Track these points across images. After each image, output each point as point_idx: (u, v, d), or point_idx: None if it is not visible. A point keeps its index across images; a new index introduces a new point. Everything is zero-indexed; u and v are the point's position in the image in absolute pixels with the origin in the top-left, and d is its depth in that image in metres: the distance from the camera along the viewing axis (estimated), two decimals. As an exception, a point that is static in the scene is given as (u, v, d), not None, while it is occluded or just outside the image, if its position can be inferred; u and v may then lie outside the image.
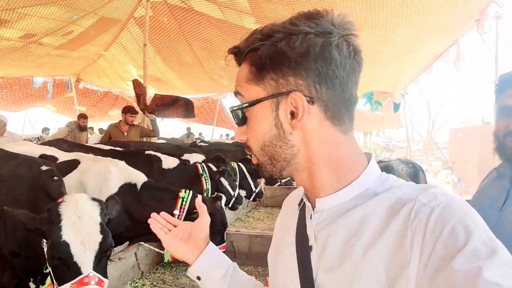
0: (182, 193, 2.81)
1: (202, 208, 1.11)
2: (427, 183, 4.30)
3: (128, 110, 6.39)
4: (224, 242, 2.93)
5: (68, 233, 1.79)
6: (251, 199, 4.77)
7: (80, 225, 1.83)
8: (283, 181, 6.24)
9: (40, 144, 4.93)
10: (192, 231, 1.06)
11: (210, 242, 1.06)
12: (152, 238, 2.96)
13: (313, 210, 0.80)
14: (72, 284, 1.71)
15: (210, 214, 2.75)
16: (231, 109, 0.80)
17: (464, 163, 17.52)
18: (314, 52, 0.70)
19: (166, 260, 2.88)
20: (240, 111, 0.78)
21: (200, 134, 17.62)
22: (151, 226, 1.09)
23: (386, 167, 3.62)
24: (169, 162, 3.75)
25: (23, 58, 8.61)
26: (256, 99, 0.75)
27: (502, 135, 1.48)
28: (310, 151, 0.76)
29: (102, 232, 1.88)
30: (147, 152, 3.87)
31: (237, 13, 7.01)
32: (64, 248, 1.75)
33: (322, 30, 0.71)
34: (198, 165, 3.74)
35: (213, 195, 3.04)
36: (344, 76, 0.72)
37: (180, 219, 2.71)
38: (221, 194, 2.98)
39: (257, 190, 4.75)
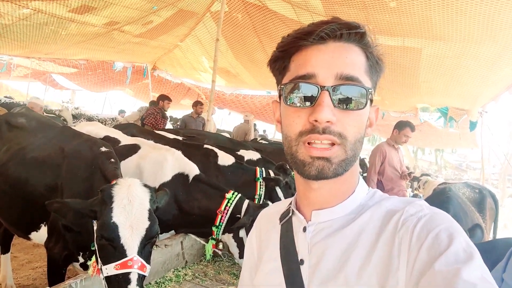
0: (228, 195, 2.76)
1: None
2: (497, 212, 3.97)
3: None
4: None
5: (118, 216, 1.87)
6: None
7: (130, 209, 1.90)
8: None
9: (114, 125, 5.25)
10: None
11: None
12: (197, 232, 3.01)
13: (307, 222, 0.80)
14: (116, 265, 1.78)
15: (252, 221, 2.71)
16: (357, 85, 0.70)
17: (545, 193, 15.93)
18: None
19: (208, 258, 2.89)
20: (367, 94, 0.70)
21: (264, 131, 17.74)
22: None
23: (444, 190, 3.34)
24: (224, 158, 3.75)
25: (106, 43, 9.21)
26: (371, 92, 0.72)
27: None
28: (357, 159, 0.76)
29: (150, 218, 1.93)
30: (205, 146, 3.93)
31: (310, 14, 6.92)
32: (113, 229, 1.83)
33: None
34: (258, 168, 3.70)
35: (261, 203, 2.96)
36: None
37: (223, 220, 2.69)
38: (269, 202, 2.88)
39: None
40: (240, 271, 2.88)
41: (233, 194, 2.79)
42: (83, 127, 3.28)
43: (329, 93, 0.68)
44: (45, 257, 3.49)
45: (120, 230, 1.84)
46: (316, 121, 0.68)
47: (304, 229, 0.79)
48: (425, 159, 25.31)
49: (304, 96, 0.70)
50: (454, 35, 5.47)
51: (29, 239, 2.72)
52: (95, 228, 1.97)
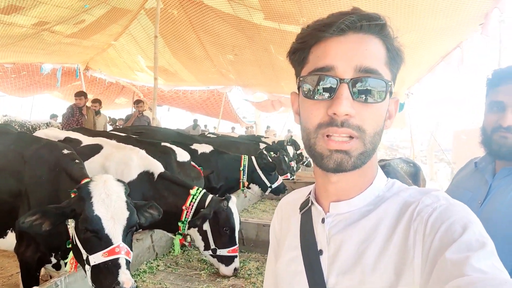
0: (193, 191, 2.86)
1: None
2: (426, 181, 4.47)
3: None
4: (235, 245, 2.87)
5: (99, 208, 1.97)
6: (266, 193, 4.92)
7: (109, 202, 2.01)
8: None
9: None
10: None
11: None
12: (164, 228, 3.04)
13: (325, 214, 0.81)
14: (104, 253, 1.89)
15: (214, 213, 2.79)
16: (377, 77, 0.69)
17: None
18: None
19: (176, 253, 2.98)
20: (386, 87, 0.70)
21: (205, 126, 17.79)
22: None
23: (385, 166, 3.71)
24: (183, 155, 3.80)
25: (35, 45, 8.78)
26: (391, 84, 0.72)
27: (490, 129, 1.47)
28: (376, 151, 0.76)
29: (128, 209, 2.05)
30: (162, 143, 3.94)
31: (247, 9, 7.14)
32: (97, 222, 1.93)
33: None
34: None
35: (221, 197, 3.00)
36: None
37: (188, 215, 2.79)
38: (230, 195, 2.96)
39: (275, 185, 4.78)
40: (207, 261, 3.03)
41: (197, 190, 2.88)
42: (40, 133, 3.24)
43: (348, 86, 0.68)
44: (14, 265, 3.39)
45: (103, 221, 1.95)
46: (334, 114, 0.68)
47: (323, 220, 0.80)
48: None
49: (323, 89, 0.70)
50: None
51: None
52: (69, 227, 2.05)
